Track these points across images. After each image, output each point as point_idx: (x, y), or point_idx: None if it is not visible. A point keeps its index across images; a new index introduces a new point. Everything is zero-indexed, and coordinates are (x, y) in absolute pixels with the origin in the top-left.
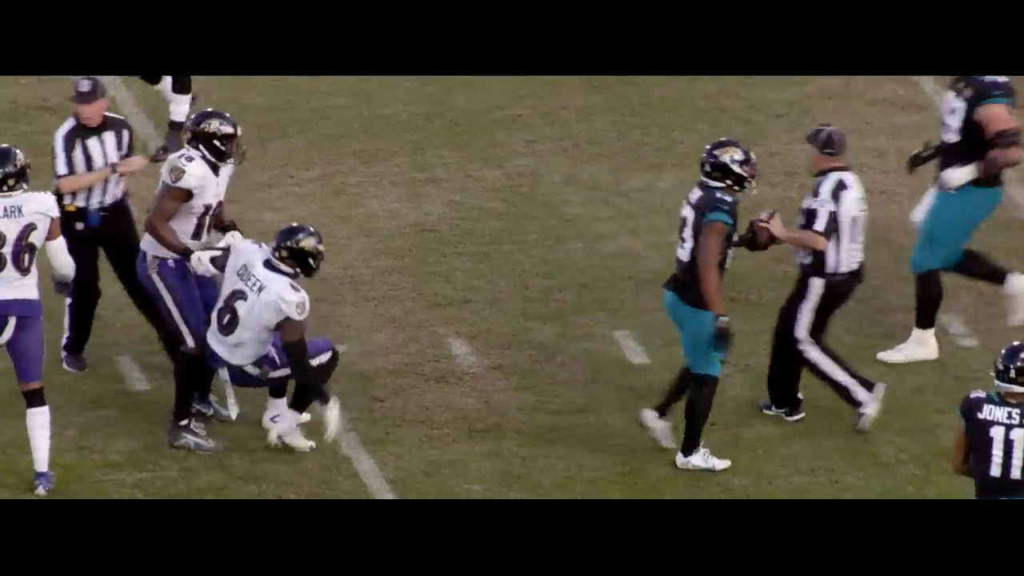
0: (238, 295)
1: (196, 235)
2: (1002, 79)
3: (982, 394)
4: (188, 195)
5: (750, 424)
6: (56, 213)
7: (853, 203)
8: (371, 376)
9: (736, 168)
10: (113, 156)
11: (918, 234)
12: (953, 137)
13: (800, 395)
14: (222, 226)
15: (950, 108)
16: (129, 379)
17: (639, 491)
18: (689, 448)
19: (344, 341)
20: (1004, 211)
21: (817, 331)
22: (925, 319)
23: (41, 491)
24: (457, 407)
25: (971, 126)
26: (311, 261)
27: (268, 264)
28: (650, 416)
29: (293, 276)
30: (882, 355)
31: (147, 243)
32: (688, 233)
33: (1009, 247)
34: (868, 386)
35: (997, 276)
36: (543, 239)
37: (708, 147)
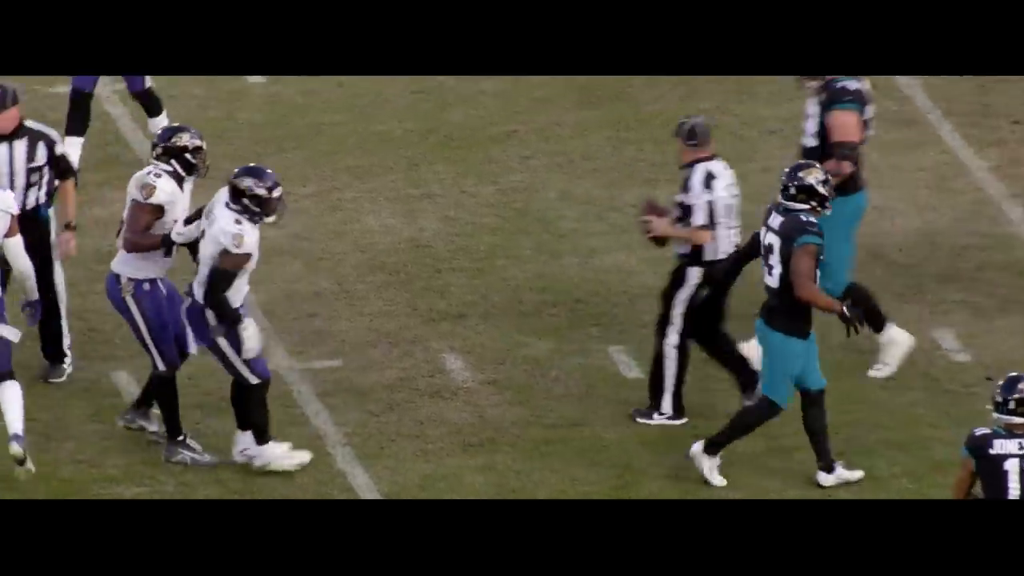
0: (203, 236)
1: (167, 252)
2: (853, 85)
3: (987, 430)
4: (160, 211)
5: (746, 438)
6: (15, 210)
7: (724, 191)
8: (366, 391)
9: (820, 188)
10: (20, 165)
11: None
12: (810, 142)
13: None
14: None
15: (807, 113)
16: (126, 393)
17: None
18: (713, 448)
19: (339, 356)
20: (997, 226)
21: (712, 319)
22: (876, 323)
23: (16, 448)
24: (451, 421)
25: (825, 131)
26: (248, 202)
27: (227, 204)
28: (824, 477)
29: (240, 213)
30: (872, 372)
31: (120, 265)
32: (775, 259)
33: (1003, 263)
34: (679, 410)
35: (878, 320)
36: (537, 254)
37: (788, 170)
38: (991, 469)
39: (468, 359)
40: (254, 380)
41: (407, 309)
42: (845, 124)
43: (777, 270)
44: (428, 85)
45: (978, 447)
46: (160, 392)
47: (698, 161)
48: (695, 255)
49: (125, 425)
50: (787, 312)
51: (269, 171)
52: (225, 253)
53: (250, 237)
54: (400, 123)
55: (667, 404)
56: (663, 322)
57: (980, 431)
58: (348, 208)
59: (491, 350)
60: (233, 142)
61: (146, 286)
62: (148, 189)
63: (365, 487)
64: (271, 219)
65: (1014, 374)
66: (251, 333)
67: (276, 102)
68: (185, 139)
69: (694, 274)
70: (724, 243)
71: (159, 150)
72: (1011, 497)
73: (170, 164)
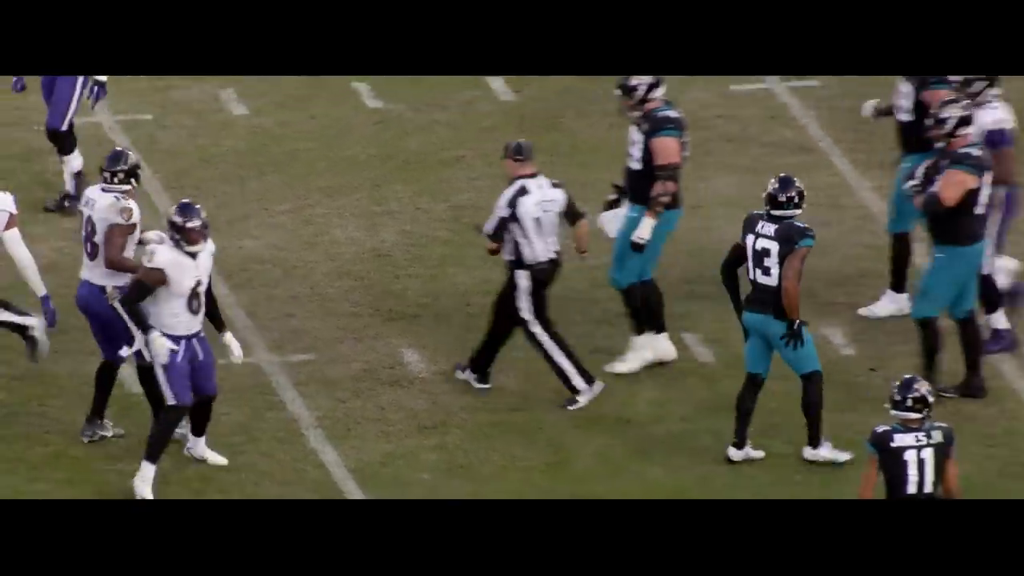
0: None
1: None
2: (673, 114)
3: (887, 426)
4: (134, 227)
5: (661, 421)
6: (14, 209)
7: (533, 206)
8: (335, 381)
9: (805, 193)
10: None
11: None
12: (636, 165)
13: (489, 369)
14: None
15: (633, 140)
16: (127, 384)
17: (565, 479)
18: (816, 441)
19: (312, 351)
20: (878, 238)
21: (539, 314)
22: (645, 324)
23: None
24: (409, 407)
25: (649, 155)
26: (169, 228)
27: None
28: (735, 452)
29: (168, 236)
30: (608, 367)
31: (103, 278)
32: (773, 261)
33: (884, 270)
34: (589, 379)
35: (655, 323)
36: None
37: (781, 184)
38: (892, 461)
39: (423, 353)
40: (171, 400)
41: (370, 310)
42: (667, 148)
43: (775, 271)
44: (388, 116)
45: (880, 442)
46: (143, 376)
47: (520, 177)
48: (518, 260)
49: (89, 440)
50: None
51: (196, 208)
52: (143, 265)
53: (162, 256)
54: (364, 149)
55: (579, 382)
56: (518, 325)
57: (881, 428)
58: (319, 223)
59: (443, 345)
60: (219, 167)
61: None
62: (127, 212)
63: (334, 463)
64: (193, 248)
65: (908, 376)
66: (157, 345)
67: (257, 132)
68: (133, 158)
69: (522, 276)
70: (541, 251)
71: (121, 175)
72: (910, 483)
73: (130, 183)
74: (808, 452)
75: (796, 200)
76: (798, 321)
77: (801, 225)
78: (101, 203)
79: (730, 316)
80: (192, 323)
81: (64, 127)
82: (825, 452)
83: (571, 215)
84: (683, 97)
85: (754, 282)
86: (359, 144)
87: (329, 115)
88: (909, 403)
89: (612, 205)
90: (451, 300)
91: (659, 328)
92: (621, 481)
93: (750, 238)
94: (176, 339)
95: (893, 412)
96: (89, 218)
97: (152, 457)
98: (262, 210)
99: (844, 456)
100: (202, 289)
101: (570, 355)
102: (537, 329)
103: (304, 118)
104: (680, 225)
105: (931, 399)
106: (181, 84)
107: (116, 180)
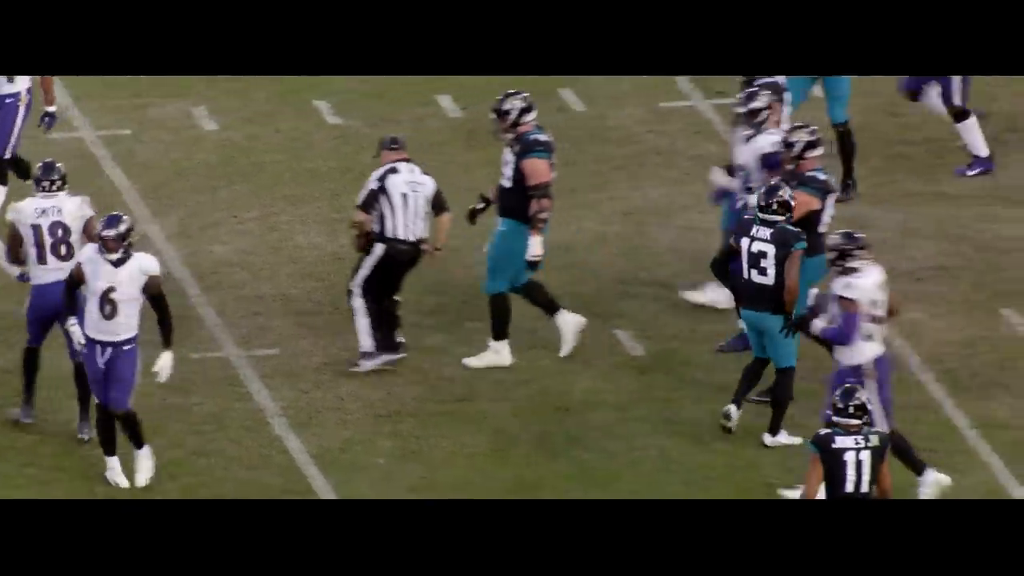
0: None
1: None
2: (543, 137)
3: (829, 430)
4: None
5: (595, 410)
6: None
7: (401, 184)
8: (298, 373)
9: (791, 203)
10: None
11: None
12: (507, 183)
13: (401, 339)
14: None
15: (505, 160)
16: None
17: (508, 464)
18: (776, 430)
19: (277, 346)
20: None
21: (387, 289)
22: (499, 333)
23: None
24: (365, 397)
25: (520, 175)
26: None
27: None
28: (733, 411)
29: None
30: (465, 360)
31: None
32: (769, 263)
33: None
34: (393, 347)
35: (549, 308)
36: (433, 263)
37: (767, 192)
38: (833, 462)
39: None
40: (96, 399)
41: (330, 308)
42: (536, 169)
43: (772, 271)
44: (347, 132)
45: (822, 442)
46: (77, 371)
47: (392, 161)
48: (381, 233)
49: (30, 421)
50: (783, 301)
51: (120, 219)
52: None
53: (85, 252)
54: (325, 162)
55: (366, 344)
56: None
57: (824, 431)
58: (284, 229)
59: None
60: (192, 178)
61: None
62: (92, 203)
63: (298, 449)
64: (109, 255)
65: (849, 385)
66: (71, 332)
67: (226, 145)
68: (62, 166)
69: (379, 248)
70: (401, 228)
71: (59, 181)
72: (848, 483)
73: (64, 188)
74: (768, 439)
75: (777, 207)
76: (795, 313)
77: (794, 229)
78: (69, 206)
79: (659, 313)
80: (102, 327)
81: (7, 155)
82: (783, 439)
83: (437, 206)
84: (617, 113)
85: (749, 282)
86: (320, 157)
87: (293, 130)
88: (851, 410)
89: (476, 213)
90: (404, 299)
91: (554, 309)
92: (559, 465)
93: (745, 241)
94: (89, 340)
95: (835, 418)
96: (58, 223)
97: (107, 451)
98: (231, 217)
99: (797, 440)
100: (118, 297)
101: (376, 326)
102: (356, 300)
103: (270, 132)
104: (615, 229)
105: (870, 407)
106: (157, 102)
107: (55, 187)
